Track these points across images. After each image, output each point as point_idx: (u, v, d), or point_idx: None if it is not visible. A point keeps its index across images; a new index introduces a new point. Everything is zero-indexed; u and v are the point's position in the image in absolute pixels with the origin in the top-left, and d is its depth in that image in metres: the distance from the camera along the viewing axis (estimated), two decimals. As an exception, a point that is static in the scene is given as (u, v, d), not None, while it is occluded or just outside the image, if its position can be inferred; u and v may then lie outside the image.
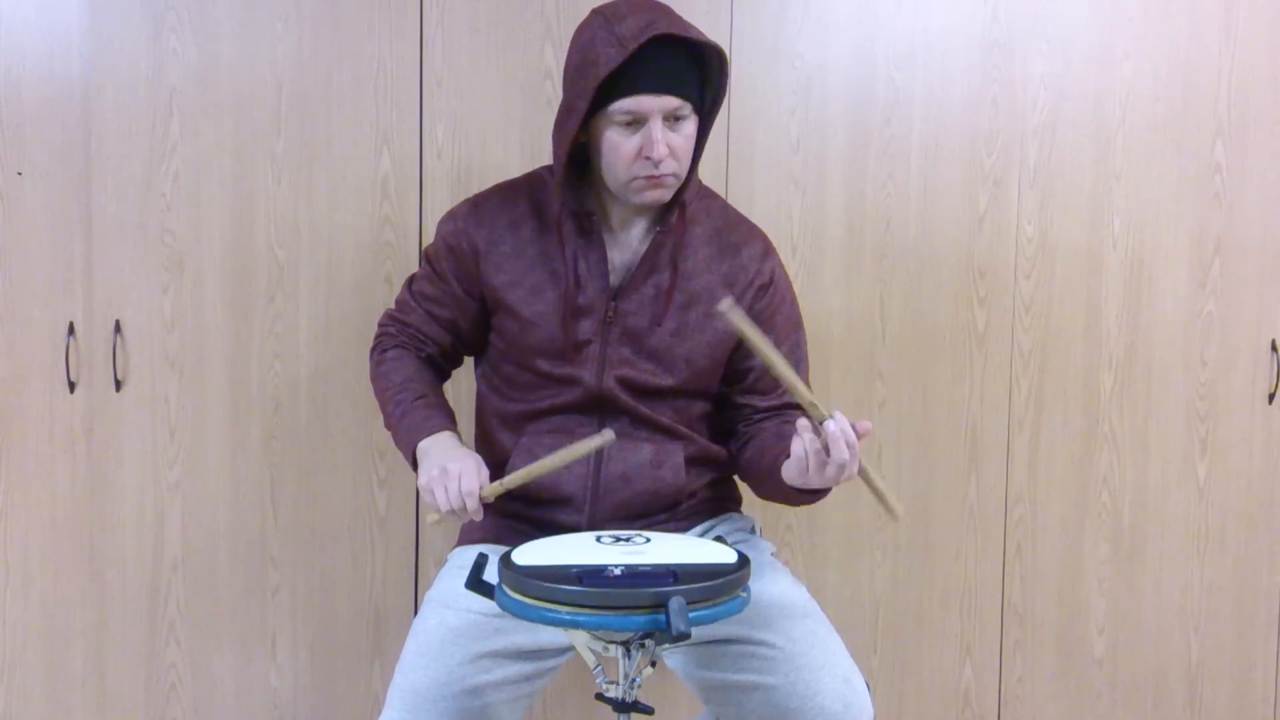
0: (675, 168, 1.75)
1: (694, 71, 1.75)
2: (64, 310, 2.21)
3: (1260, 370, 2.49)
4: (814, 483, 1.60)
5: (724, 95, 1.80)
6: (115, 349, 2.23)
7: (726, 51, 1.77)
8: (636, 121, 1.72)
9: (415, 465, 1.78)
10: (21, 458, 2.23)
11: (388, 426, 1.88)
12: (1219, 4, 2.42)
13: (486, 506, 1.94)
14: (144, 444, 2.25)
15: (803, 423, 1.58)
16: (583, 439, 1.83)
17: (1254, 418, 2.49)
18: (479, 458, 1.73)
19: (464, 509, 1.66)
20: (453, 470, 1.67)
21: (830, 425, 1.53)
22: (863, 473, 1.57)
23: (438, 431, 1.78)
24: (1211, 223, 2.45)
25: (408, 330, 1.94)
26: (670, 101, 1.71)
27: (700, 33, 1.74)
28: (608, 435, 1.65)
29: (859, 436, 1.55)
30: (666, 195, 1.78)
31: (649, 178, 1.74)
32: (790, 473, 1.64)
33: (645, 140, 1.72)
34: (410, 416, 1.81)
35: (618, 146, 1.73)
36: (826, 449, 1.55)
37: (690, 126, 1.76)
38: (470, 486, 1.66)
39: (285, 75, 2.23)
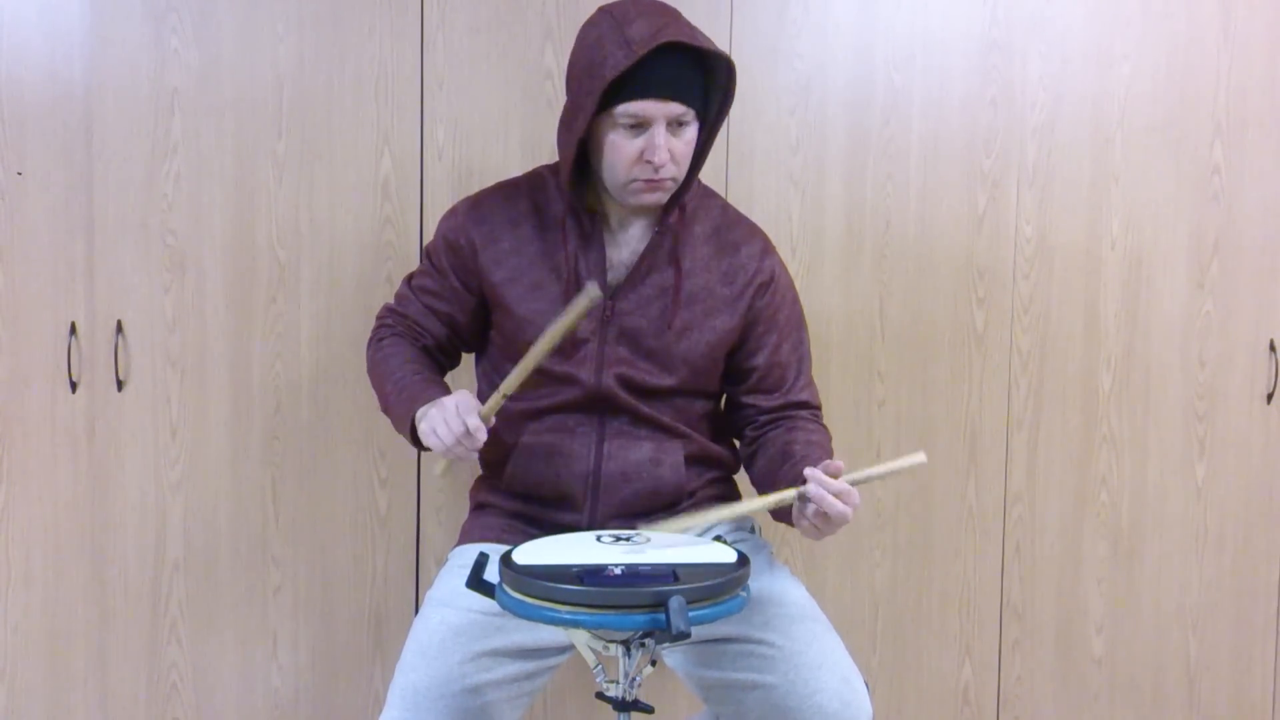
0: (674, 172, 1.76)
1: (700, 78, 1.76)
2: (66, 310, 2.22)
3: (1259, 370, 2.49)
4: (829, 534, 1.64)
5: (730, 103, 1.80)
6: (117, 349, 2.23)
7: (730, 56, 1.77)
8: (640, 125, 1.73)
9: (415, 440, 1.78)
10: (23, 458, 2.23)
11: (385, 409, 1.88)
12: (1217, 5, 2.42)
13: (485, 506, 1.95)
14: (145, 444, 2.25)
15: (793, 505, 1.63)
16: (580, 437, 1.84)
17: (1252, 417, 2.50)
18: (469, 391, 1.74)
19: (466, 433, 1.66)
20: (447, 403, 1.69)
21: (811, 490, 1.58)
22: (865, 484, 1.61)
23: (436, 399, 1.77)
24: (1210, 223, 2.46)
25: (405, 321, 1.94)
26: (675, 108, 1.72)
27: (710, 41, 1.75)
28: (593, 292, 1.63)
29: (836, 477, 1.59)
30: (664, 198, 1.79)
31: (647, 180, 1.75)
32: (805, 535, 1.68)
33: (647, 144, 1.72)
34: (408, 390, 1.81)
35: (619, 148, 1.74)
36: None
37: (691, 132, 1.77)
38: (468, 407, 1.67)
39: (286, 76, 2.24)
